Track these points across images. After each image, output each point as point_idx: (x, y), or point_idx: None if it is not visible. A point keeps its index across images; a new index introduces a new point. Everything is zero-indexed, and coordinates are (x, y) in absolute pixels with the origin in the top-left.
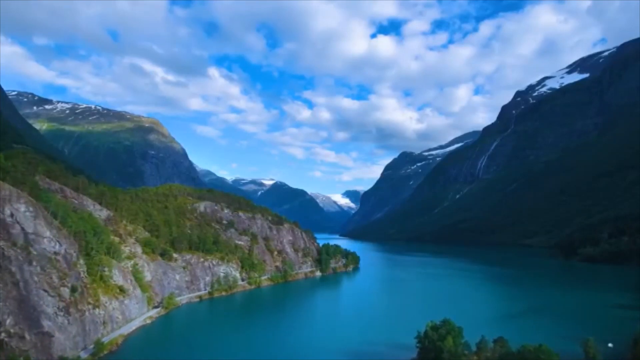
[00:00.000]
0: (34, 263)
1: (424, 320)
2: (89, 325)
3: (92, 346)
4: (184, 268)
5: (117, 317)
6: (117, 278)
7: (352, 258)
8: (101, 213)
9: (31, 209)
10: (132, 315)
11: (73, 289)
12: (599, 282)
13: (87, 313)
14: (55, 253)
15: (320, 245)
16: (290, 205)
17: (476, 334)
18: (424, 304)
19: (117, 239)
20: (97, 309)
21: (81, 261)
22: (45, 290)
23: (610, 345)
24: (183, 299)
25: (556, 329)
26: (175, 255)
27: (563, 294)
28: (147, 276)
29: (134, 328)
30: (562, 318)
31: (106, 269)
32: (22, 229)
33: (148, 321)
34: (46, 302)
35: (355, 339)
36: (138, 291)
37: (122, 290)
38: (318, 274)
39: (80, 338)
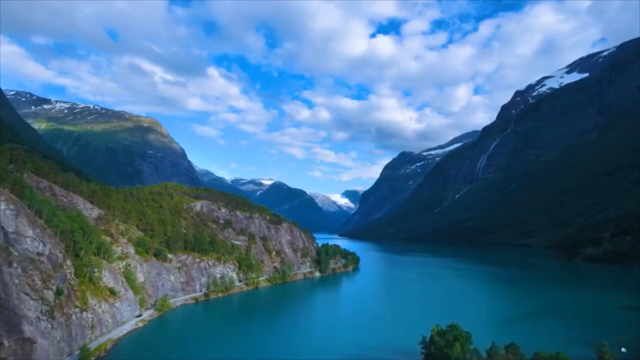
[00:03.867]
0: (15, 264)
1: (428, 323)
2: (76, 329)
3: (77, 352)
4: (179, 269)
5: (107, 321)
6: (108, 279)
7: (351, 258)
8: (92, 212)
9: (12, 206)
10: (123, 318)
11: (58, 292)
12: (604, 283)
13: (73, 317)
14: (39, 254)
15: (320, 245)
16: (290, 205)
17: (485, 339)
18: (426, 306)
19: (108, 239)
20: (84, 313)
21: (68, 262)
22: (26, 294)
23: (623, 349)
24: (178, 300)
25: (567, 333)
26: (169, 255)
27: (570, 295)
28: (140, 277)
29: (125, 332)
30: (572, 321)
31: (96, 270)
32: (2, 227)
33: (140, 324)
34: (28, 306)
35: (356, 342)
36: (130, 293)
37: (112, 292)
38: (317, 274)
39: (66, 343)
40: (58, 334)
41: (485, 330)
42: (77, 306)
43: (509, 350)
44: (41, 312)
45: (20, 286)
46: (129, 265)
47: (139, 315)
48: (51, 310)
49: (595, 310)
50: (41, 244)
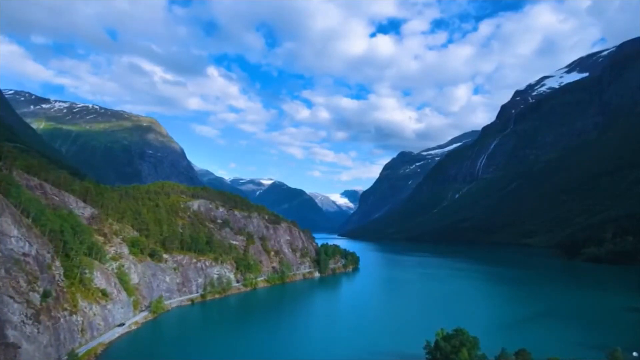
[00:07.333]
0: None
1: (431, 327)
2: (64, 333)
3: (65, 357)
4: (174, 269)
5: (98, 324)
6: (99, 281)
7: (351, 258)
8: (84, 211)
9: None
10: (115, 321)
11: (45, 294)
12: (608, 284)
13: (62, 320)
14: (25, 254)
15: (319, 245)
16: (289, 205)
17: (492, 345)
18: (429, 308)
19: (101, 239)
20: (74, 316)
21: (57, 263)
22: (10, 296)
23: (635, 354)
24: (173, 302)
25: (577, 336)
26: (165, 255)
27: (576, 296)
28: (134, 278)
29: (117, 335)
30: (581, 323)
31: (87, 271)
32: None
33: (133, 327)
34: (12, 310)
35: (357, 346)
36: (123, 295)
37: (104, 294)
38: (317, 275)
39: (53, 348)
40: (44, 338)
41: (492, 335)
42: (65, 309)
43: (519, 357)
44: (26, 315)
45: (3, 289)
46: (123, 265)
47: (122, 324)
48: (37, 314)
49: (603, 312)
50: (27, 244)
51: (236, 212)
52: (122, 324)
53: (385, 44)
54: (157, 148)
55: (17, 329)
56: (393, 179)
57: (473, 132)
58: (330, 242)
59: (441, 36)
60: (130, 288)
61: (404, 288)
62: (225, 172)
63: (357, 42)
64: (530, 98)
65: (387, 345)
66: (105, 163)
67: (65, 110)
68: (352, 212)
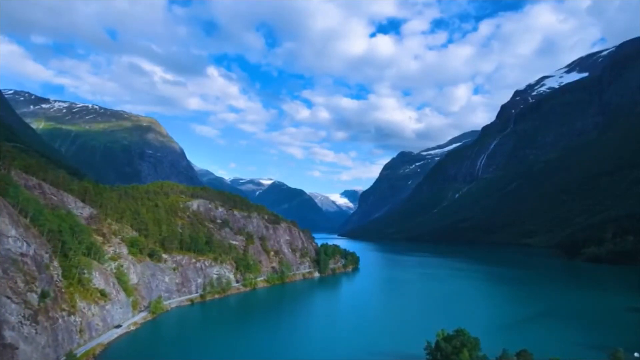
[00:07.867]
0: None
1: (432, 328)
2: (62, 334)
3: (63, 358)
4: (174, 269)
5: (97, 324)
6: (98, 281)
7: (351, 258)
8: (83, 211)
9: None
10: (114, 321)
11: (43, 295)
12: (609, 284)
13: (60, 321)
14: (22, 254)
15: (319, 245)
16: (289, 205)
17: (493, 345)
18: (429, 308)
19: (99, 239)
20: (72, 316)
21: (55, 263)
22: (8, 297)
23: (636, 354)
24: (172, 302)
25: (578, 337)
26: (164, 255)
27: (577, 296)
28: (133, 278)
29: (115, 336)
30: (582, 323)
31: (85, 271)
32: None
33: (132, 328)
34: (9, 310)
35: (357, 347)
36: (122, 295)
37: (103, 294)
38: (316, 275)
39: (51, 349)
40: (42, 339)
41: (492, 335)
42: (64, 309)
43: (520, 357)
44: (24, 316)
45: (1, 289)
46: (122, 266)
47: (119, 326)
48: (35, 314)
49: (604, 312)
50: (25, 244)
51: (236, 212)
52: (119, 326)
53: (385, 44)
54: (156, 148)
55: (14, 330)
56: (393, 179)
57: (473, 132)
58: (330, 242)
59: (441, 36)
60: (129, 288)
61: (404, 288)
62: (225, 172)
63: (357, 42)
64: (530, 98)
65: (387, 345)
66: (105, 163)
67: (64, 110)
68: (352, 212)
